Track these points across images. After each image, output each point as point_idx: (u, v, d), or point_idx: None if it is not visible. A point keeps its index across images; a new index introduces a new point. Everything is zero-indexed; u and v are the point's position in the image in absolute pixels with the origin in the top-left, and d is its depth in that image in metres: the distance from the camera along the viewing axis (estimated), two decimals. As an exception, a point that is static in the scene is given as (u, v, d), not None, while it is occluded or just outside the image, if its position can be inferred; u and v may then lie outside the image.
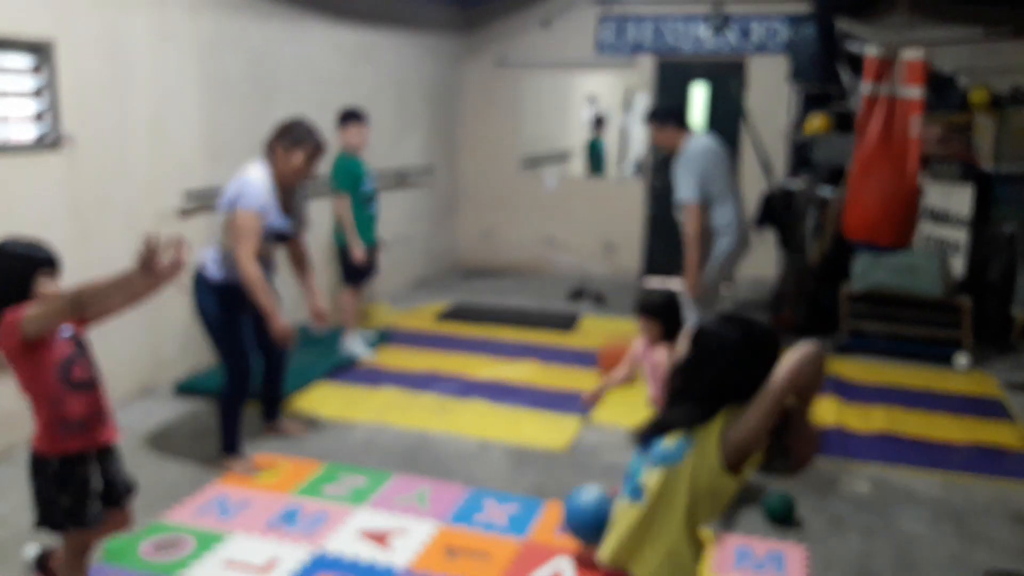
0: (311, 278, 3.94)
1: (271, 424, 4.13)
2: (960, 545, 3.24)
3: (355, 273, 5.31)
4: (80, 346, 2.43)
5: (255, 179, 3.51)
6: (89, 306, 2.25)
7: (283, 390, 4.15)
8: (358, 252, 5.13)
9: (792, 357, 1.75)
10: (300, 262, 3.93)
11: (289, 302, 4.81)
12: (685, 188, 4.36)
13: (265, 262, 3.64)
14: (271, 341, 3.74)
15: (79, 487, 2.40)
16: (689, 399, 1.89)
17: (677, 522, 1.87)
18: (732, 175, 4.55)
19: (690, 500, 1.85)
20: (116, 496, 2.55)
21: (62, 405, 2.34)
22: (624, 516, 1.95)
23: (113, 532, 2.67)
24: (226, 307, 3.57)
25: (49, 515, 2.42)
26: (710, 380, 1.86)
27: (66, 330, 2.38)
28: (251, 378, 3.69)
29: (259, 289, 3.44)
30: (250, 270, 3.42)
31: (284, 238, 3.78)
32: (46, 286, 2.35)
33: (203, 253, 3.67)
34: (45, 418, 2.35)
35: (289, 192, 3.70)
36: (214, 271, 3.58)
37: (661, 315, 3.58)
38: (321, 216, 5.85)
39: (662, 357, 3.56)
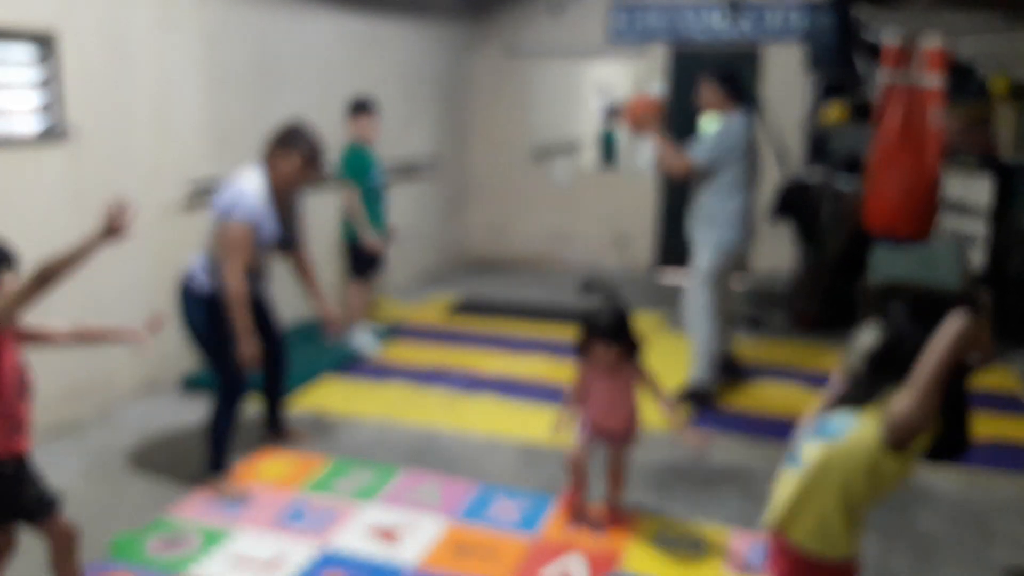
0: (317, 288, 3.83)
1: (274, 432, 4.00)
2: (980, 543, 3.20)
3: (363, 267, 5.27)
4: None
5: (250, 189, 3.37)
6: (54, 279, 2.26)
7: (284, 395, 4.03)
8: (370, 240, 5.08)
9: (946, 332, 1.77)
10: (306, 273, 3.82)
11: (295, 300, 4.79)
12: (702, 150, 4.27)
13: (259, 272, 3.55)
14: (269, 347, 3.70)
15: (36, 478, 2.46)
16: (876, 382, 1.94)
17: (832, 495, 1.95)
18: (753, 169, 4.46)
19: (845, 476, 1.92)
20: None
21: (18, 407, 2.41)
22: (785, 483, 2.07)
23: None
24: (218, 319, 3.39)
25: (20, 512, 2.45)
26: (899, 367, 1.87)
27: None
28: (245, 388, 3.53)
29: (239, 307, 3.31)
30: (234, 285, 3.29)
31: (281, 247, 3.67)
32: (8, 284, 2.37)
33: (192, 261, 3.53)
34: (3, 421, 2.39)
35: (286, 200, 3.59)
36: (203, 280, 3.43)
37: (619, 335, 3.08)
38: (327, 210, 5.82)
39: (626, 382, 3.21)
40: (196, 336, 3.48)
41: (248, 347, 3.34)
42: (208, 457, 3.50)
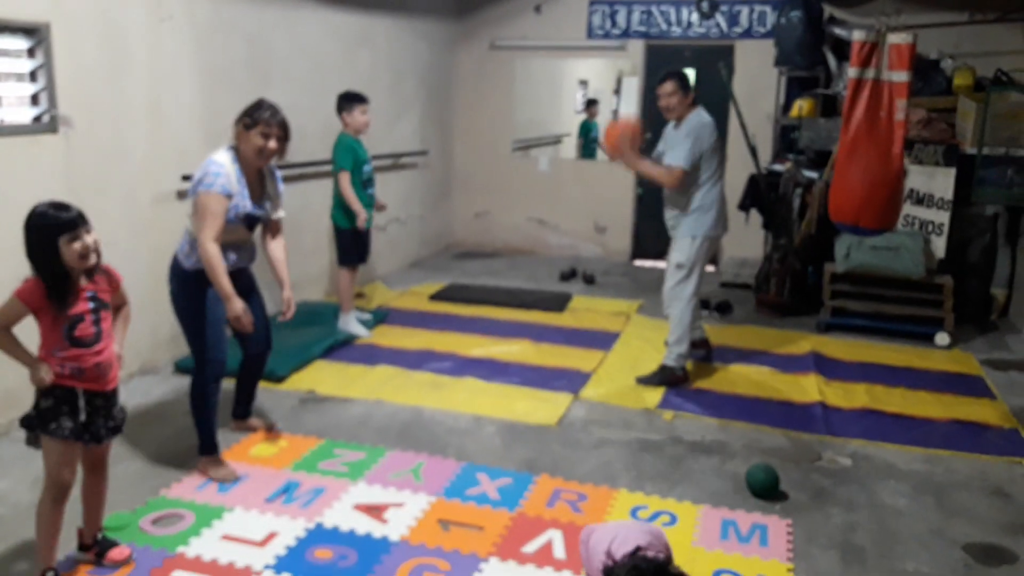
0: (282, 269, 3.74)
1: (239, 422, 4.02)
2: (940, 518, 3.32)
3: (351, 254, 5.36)
4: (95, 308, 2.66)
5: (218, 160, 3.38)
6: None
7: (254, 393, 4.04)
8: (362, 217, 5.16)
9: None
10: (276, 248, 3.75)
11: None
12: (683, 154, 4.40)
13: (241, 248, 3.55)
14: (254, 346, 3.80)
15: (60, 401, 2.61)
16: None
17: None
18: (722, 155, 4.62)
19: None
20: (96, 434, 2.69)
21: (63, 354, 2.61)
22: None
23: (86, 466, 2.78)
24: (195, 295, 3.45)
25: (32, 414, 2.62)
26: None
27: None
28: (222, 368, 3.55)
29: (216, 269, 3.32)
30: (208, 249, 3.29)
31: (258, 223, 3.64)
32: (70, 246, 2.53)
33: (179, 241, 3.59)
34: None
35: (258, 176, 3.56)
36: (184, 258, 3.48)
37: None
38: (316, 198, 5.91)
39: None
40: (175, 309, 3.53)
41: (234, 307, 3.36)
42: (198, 440, 3.57)
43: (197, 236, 3.33)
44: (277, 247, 3.73)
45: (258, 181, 3.56)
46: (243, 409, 4.02)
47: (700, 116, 4.50)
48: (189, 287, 3.45)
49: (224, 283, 3.34)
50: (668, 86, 4.50)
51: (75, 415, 2.61)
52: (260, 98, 3.55)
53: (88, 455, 2.75)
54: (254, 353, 3.86)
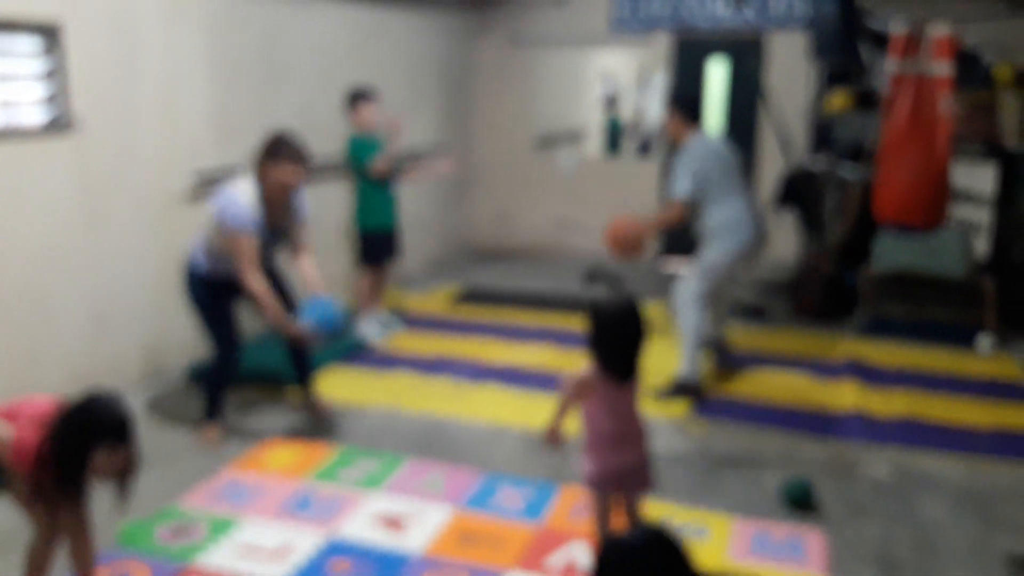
0: (317, 288, 3.89)
1: (306, 403, 4.19)
2: (982, 530, 3.21)
3: (373, 255, 5.30)
4: None
5: (239, 196, 3.64)
6: None
7: (311, 372, 4.20)
8: (382, 163, 5.08)
9: None
10: (305, 265, 3.97)
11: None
12: (677, 184, 4.34)
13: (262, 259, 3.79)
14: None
15: None
16: None
17: None
18: (739, 174, 4.48)
19: None
20: None
21: None
22: None
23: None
24: (213, 295, 3.80)
25: None
26: None
27: None
28: (237, 361, 3.93)
29: (267, 304, 3.66)
30: (256, 288, 3.64)
31: (274, 246, 3.88)
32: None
33: (192, 243, 3.86)
34: None
35: (279, 207, 3.77)
36: (201, 262, 3.78)
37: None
38: (334, 202, 5.83)
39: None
40: (195, 311, 3.84)
41: (293, 331, 3.75)
42: (204, 407, 3.91)
43: (240, 275, 3.64)
44: (306, 266, 3.94)
45: (280, 208, 3.79)
46: (304, 382, 4.18)
47: (698, 140, 4.39)
48: (207, 288, 3.80)
49: (276, 314, 3.69)
50: (665, 113, 4.43)
51: None
52: (279, 133, 3.74)
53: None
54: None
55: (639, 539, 1.67)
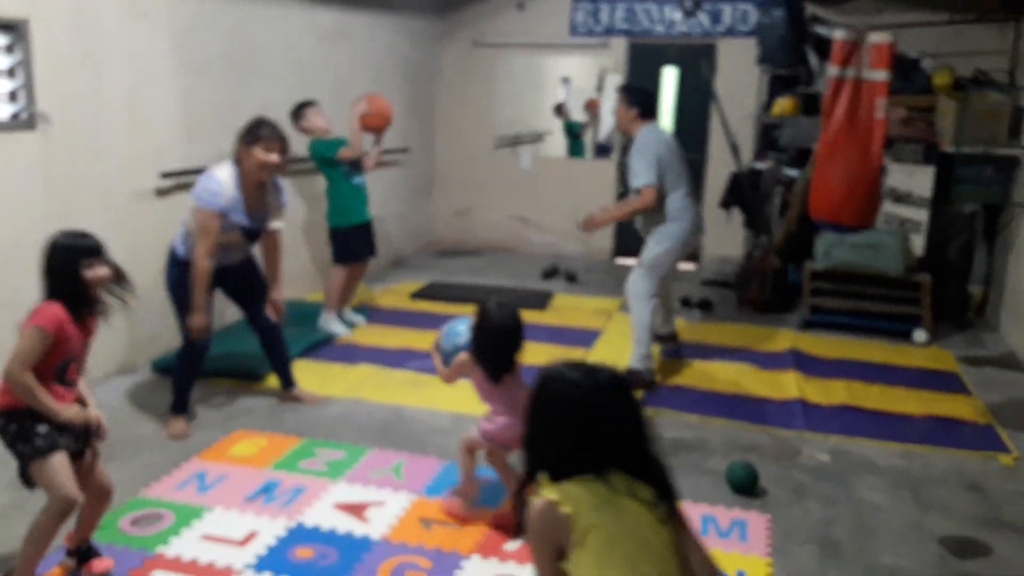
0: (277, 272, 4.09)
1: (287, 393, 4.30)
2: (917, 513, 3.35)
3: (349, 252, 5.37)
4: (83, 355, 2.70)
5: (218, 177, 3.68)
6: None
7: (288, 360, 4.31)
8: (348, 150, 5.15)
9: None
10: (271, 255, 4.08)
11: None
12: (643, 173, 4.43)
13: (233, 249, 3.86)
14: (262, 320, 4.08)
15: (28, 419, 2.58)
16: None
17: None
18: (684, 164, 4.64)
19: None
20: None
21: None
22: None
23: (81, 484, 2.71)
24: (185, 283, 3.77)
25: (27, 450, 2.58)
26: None
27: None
28: (204, 350, 3.91)
29: (198, 284, 3.68)
30: (199, 265, 3.66)
31: (256, 234, 3.92)
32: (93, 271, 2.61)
33: (177, 231, 3.88)
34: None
35: (259, 190, 3.81)
36: (180, 248, 3.82)
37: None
38: (295, 194, 5.87)
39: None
40: (169, 293, 3.88)
41: (196, 320, 3.73)
42: (172, 398, 3.94)
43: (195, 247, 3.66)
44: (273, 249, 4.04)
45: (259, 194, 3.82)
46: (284, 380, 4.30)
47: (650, 130, 4.53)
48: (183, 274, 3.77)
49: (198, 297, 3.70)
50: (617, 103, 4.57)
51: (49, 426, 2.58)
52: (260, 116, 3.78)
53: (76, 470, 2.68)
54: (263, 327, 4.14)
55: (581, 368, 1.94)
